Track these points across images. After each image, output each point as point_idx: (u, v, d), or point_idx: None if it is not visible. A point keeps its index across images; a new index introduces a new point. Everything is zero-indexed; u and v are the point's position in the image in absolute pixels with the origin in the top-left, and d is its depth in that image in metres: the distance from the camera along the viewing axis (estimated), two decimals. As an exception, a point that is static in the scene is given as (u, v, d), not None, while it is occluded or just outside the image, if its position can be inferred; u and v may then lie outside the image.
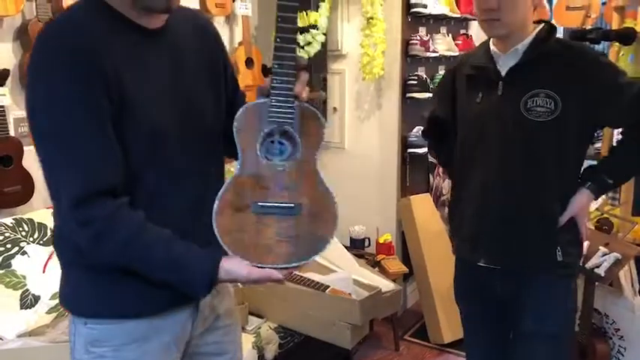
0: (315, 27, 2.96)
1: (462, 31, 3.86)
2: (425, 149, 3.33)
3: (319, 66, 3.27)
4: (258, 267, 1.15)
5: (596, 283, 2.39)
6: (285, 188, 1.17)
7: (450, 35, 3.67)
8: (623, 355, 2.50)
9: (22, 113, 2.23)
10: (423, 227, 3.26)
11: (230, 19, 3.11)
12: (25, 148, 2.26)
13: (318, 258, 1.27)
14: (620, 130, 1.86)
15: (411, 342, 3.22)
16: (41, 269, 2.20)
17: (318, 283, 2.52)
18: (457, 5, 3.62)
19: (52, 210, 1.80)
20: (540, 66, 1.63)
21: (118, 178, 1.10)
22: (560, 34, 1.96)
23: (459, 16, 3.61)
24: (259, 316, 2.49)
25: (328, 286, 2.50)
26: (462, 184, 1.80)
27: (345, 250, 3.01)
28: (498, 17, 1.59)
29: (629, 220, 2.61)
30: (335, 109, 3.48)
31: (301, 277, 2.57)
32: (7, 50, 2.31)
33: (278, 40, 1.14)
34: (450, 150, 1.86)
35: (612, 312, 2.51)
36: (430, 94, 3.31)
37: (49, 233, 2.27)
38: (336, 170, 3.28)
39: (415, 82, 3.29)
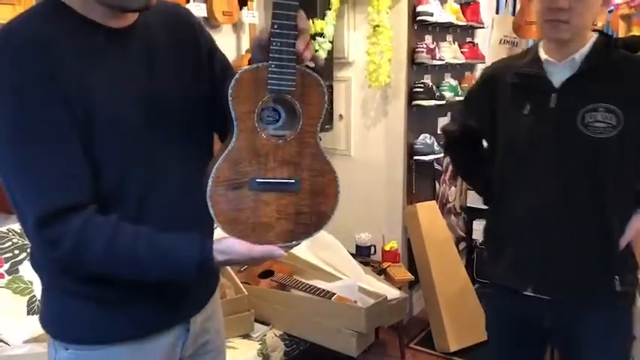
0: (321, 35, 2.97)
1: (468, 39, 3.87)
2: (431, 156, 3.34)
3: (325, 74, 3.28)
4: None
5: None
6: (285, 162, 1.09)
7: (456, 43, 3.67)
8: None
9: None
10: (429, 235, 3.25)
11: (237, 27, 3.12)
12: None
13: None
14: None
15: (416, 350, 3.21)
16: (48, 275, 2.21)
17: (323, 290, 2.52)
18: (463, 13, 3.63)
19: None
20: (599, 78, 1.48)
21: (83, 190, 1.03)
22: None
23: (464, 24, 3.62)
24: (265, 324, 2.49)
25: (334, 294, 2.49)
26: (505, 203, 1.64)
27: (351, 258, 3.00)
28: (567, 19, 1.42)
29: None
30: (341, 116, 3.48)
31: (307, 284, 2.57)
32: None
33: None
34: (482, 164, 1.73)
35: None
36: (436, 102, 3.32)
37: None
38: (342, 177, 3.21)
39: (421, 89, 3.29)
